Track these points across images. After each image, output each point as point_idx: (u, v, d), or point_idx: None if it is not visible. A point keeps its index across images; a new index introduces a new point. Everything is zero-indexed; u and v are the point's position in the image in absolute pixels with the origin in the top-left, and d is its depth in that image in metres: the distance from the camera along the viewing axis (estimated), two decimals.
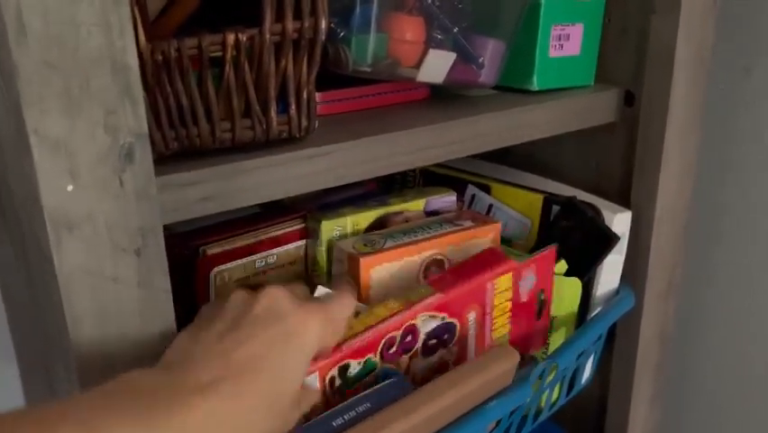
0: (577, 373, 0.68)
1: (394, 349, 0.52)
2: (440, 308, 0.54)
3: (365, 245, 0.57)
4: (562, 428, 0.82)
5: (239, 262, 0.56)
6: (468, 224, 0.62)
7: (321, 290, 0.54)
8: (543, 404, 0.65)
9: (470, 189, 0.75)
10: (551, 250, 0.61)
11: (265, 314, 0.41)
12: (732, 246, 0.83)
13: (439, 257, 0.60)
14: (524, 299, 0.60)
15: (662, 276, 0.71)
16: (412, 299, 0.53)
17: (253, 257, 0.57)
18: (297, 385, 0.41)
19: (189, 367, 0.37)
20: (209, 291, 0.55)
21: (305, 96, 0.48)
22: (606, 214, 0.66)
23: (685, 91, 0.65)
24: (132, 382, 0.35)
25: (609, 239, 0.63)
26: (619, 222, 0.66)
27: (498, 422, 0.57)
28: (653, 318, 0.73)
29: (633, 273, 0.70)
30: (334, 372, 0.49)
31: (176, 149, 0.45)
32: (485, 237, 0.62)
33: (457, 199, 0.71)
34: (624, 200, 0.70)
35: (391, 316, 0.52)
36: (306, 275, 0.61)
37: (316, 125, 0.52)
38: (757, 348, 0.84)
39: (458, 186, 0.75)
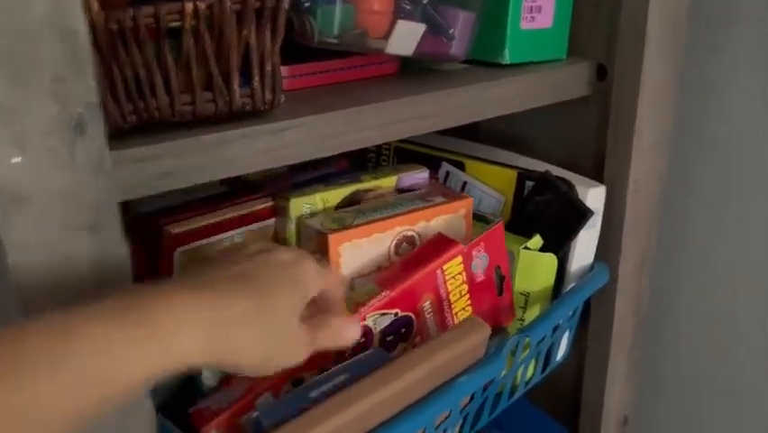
0: (552, 349, 0.67)
1: (348, 353, 0.52)
2: (390, 304, 0.54)
3: (334, 222, 0.56)
4: (538, 406, 0.82)
5: (204, 241, 0.54)
6: (439, 199, 0.61)
7: None
8: (518, 381, 0.65)
9: (445, 166, 0.74)
10: (498, 225, 0.60)
11: (257, 249, 0.42)
12: (707, 222, 0.83)
13: (410, 233, 0.59)
14: (480, 278, 0.59)
15: (636, 251, 0.71)
16: (358, 300, 0.53)
17: (219, 236, 0.55)
18: (291, 315, 0.40)
19: (182, 277, 0.39)
20: (174, 272, 0.53)
21: (269, 67, 0.46)
22: (579, 189, 0.65)
23: (657, 64, 0.64)
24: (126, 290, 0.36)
25: (583, 213, 0.63)
26: (593, 197, 0.65)
27: (472, 397, 0.56)
28: (628, 294, 0.73)
29: (607, 249, 0.69)
30: (288, 386, 0.50)
31: (134, 122, 0.43)
32: (456, 213, 0.61)
33: (431, 176, 0.70)
34: (598, 175, 0.69)
35: None
36: None
37: (282, 99, 0.51)
38: (732, 325, 0.84)
39: (432, 163, 0.74)
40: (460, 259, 0.57)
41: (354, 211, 0.59)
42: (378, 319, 0.53)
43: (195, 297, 0.35)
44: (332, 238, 0.54)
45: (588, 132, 0.70)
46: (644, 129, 0.66)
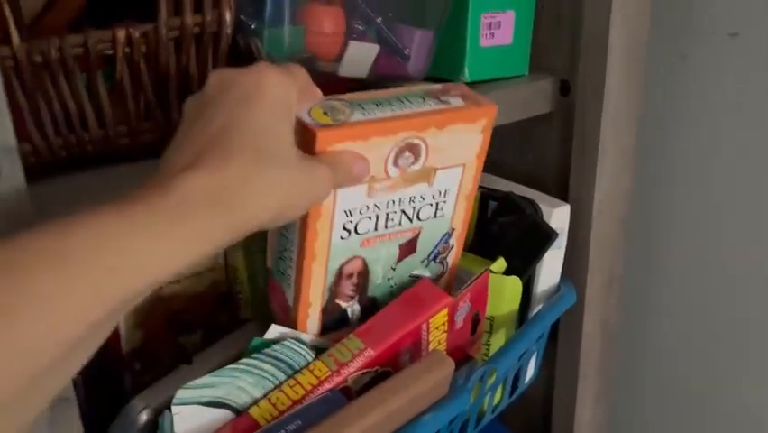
0: (520, 373, 0.66)
1: None
2: (372, 363, 0.49)
3: (325, 114, 0.44)
4: (508, 428, 0.80)
5: None
6: (457, 102, 0.49)
7: (274, 330, 0.49)
8: (485, 408, 0.63)
9: None
10: (484, 275, 0.57)
11: (217, 91, 0.37)
12: (677, 237, 0.82)
13: (416, 141, 0.47)
14: (459, 325, 0.56)
15: (603, 269, 0.70)
16: (341, 359, 0.48)
17: None
18: (286, 144, 0.37)
19: (166, 166, 0.35)
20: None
21: None
22: (544, 208, 0.63)
23: (620, 78, 0.63)
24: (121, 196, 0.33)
25: (548, 236, 0.61)
26: (557, 216, 0.63)
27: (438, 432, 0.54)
28: (596, 313, 0.71)
29: (573, 268, 0.68)
30: None
31: (65, 157, 0.41)
32: (475, 123, 0.49)
33: None
34: (563, 192, 0.67)
35: (319, 384, 0.47)
36: (226, 283, 0.58)
37: None
38: (714, 343, 0.83)
39: None
40: (446, 311, 0.52)
41: (352, 102, 0.46)
42: (358, 379, 0.49)
43: (183, 179, 0.33)
44: (321, 135, 0.41)
45: (552, 149, 0.69)
46: (608, 145, 0.64)
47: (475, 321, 0.58)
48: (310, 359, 0.48)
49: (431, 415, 0.50)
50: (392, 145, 0.46)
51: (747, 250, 0.77)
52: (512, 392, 0.66)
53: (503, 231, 0.63)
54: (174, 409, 0.43)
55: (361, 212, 0.48)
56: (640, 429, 0.93)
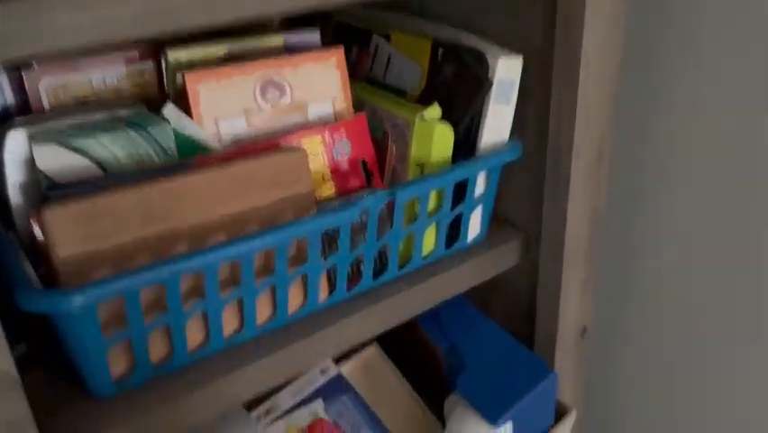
0: (461, 226, 0.65)
1: None
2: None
3: (198, 66, 0.57)
4: (491, 317, 0.78)
5: (72, 76, 0.56)
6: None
7: (170, 108, 0.55)
8: (411, 250, 0.63)
9: (375, 39, 0.73)
10: (360, 116, 0.59)
11: None
12: (670, 163, 0.71)
13: (276, 78, 0.58)
14: (345, 167, 0.58)
15: (591, 143, 0.63)
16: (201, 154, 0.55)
17: (89, 74, 0.57)
18: None
19: None
20: (43, 106, 0.57)
21: None
22: (489, 59, 0.61)
23: None
24: None
25: (480, 84, 0.59)
26: (504, 67, 0.60)
27: (331, 244, 0.57)
28: (583, 193, 0.65)
29: (557, 141, 0.63)
30: None
31: None
32: (327, 61, 0.59)
33: (363, 51, 0.70)
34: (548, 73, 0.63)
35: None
36: (160, 101, 0.61)
37: None
38: (695, 233, 0.72)
39: (368, 38, 0.74)
40: (319, 139, 0.57)
41: (226, 60, 0.58)
42: None
43: None
44: (189, 76, 0.55)
45: (537, 25, 0.63)
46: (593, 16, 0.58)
47: (368, 175, 0.60)
48: (171, 134, 0.54)
49: (319, 217, 0.52)
50: (254, 82, 0.57)
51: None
52: (449, 245, 0.65)
53: (445, 80, 0.62)
54: (33, 145, 0.50)
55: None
56: (625, 324, 0.83)
